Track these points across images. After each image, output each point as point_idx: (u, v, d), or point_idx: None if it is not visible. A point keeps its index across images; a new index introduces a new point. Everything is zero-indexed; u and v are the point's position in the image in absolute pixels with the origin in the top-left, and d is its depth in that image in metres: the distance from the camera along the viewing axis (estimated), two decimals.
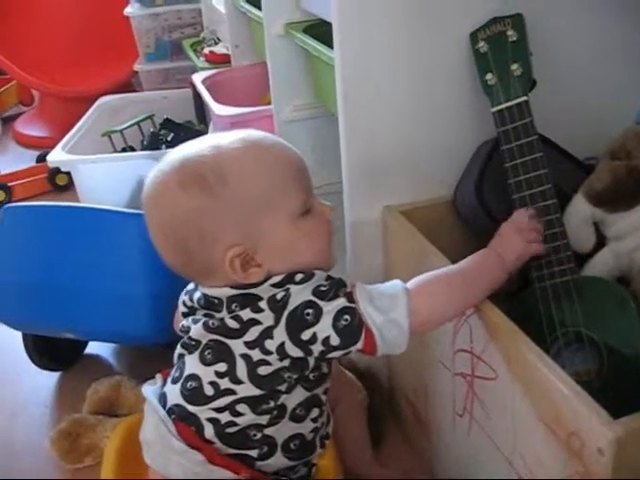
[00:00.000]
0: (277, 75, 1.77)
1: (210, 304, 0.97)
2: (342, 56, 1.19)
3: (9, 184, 2.75)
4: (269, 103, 1.87)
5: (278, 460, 1.00)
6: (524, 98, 1.13)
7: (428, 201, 1.29)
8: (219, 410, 0.96)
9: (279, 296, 0.92)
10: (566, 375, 0.84)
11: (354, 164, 1.26)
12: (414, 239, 1.18)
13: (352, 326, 0.91)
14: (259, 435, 0.97)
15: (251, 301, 0.93)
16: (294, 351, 0.92)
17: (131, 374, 1.59)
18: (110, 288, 1.39)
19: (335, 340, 0.91)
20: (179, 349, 1.02)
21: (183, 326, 1.01)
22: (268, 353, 0.92)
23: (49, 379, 1.70)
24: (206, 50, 2.72)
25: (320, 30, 1.57)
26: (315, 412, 1.02)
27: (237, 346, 0.93)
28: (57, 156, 2.20)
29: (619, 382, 1.02)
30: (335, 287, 0.93)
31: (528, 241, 1.05)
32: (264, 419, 0.97)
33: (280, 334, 0.91)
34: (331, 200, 1.64)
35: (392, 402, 1.44)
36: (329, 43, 1.33)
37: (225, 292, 0.95)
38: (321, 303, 0.91)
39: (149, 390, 1.05)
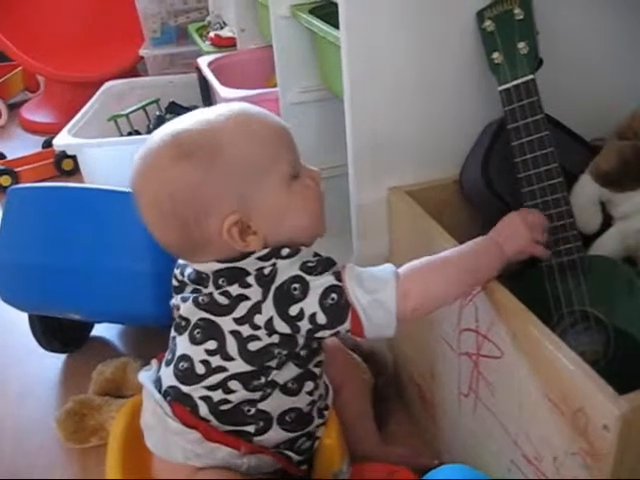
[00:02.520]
0: (283, 57, 1.77)
1: (199, 279, 0.98)
2: (348, 37, 1.18)
3: (16, 169, 2.76)
4: (275, 86, 1.87)
5: (276, 433, 1.02)
6: (531, 76, 1.12)
7: (434, 182, 1.28)
8: (211, 388, 0.97)
9: (266, 271, 0.93)
10: (572, 352, 0.84)
11: (360, 145, 1.25)
12: (420, 219, 1.17)
13: (339, 305, 0.91)
14: (253, 410, 0.99)
15: (238, 275, 0.94)
16: (282, 327, 0.93)
17: (137, 355, 1.59)
18: (116, 268, 1.39)
19: (322, 319, 0.92)
20: (172, 331, 1.03)
21: (173, 305, 1.03)
22: (257, 328, 0.93)
23: (55, 361, 1.70)
24: (212, 34, 2.72)
25: (326, 11, 1.57)
26: (310, 385, 1.04)
27: (226, 323, 0.95)
28: (63, 140, 2.20)
29: (625, 362, 1.03)
30: (323, 264, 0.94)
31: (534, 239, 1.04)
32: (257, 395, 0.98)
33: (268, 309, 0.92)
34: (337, 183, 1.65)
35: (397, 383, 1.44)
36: (335, 24, 1.32)
37: (212, 267, 0.96)
38: (308, 277, 0.92)
39: (145, 376, 1.07)
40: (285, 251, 0.94)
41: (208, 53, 2.55)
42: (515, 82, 1.13)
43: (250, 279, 0.93)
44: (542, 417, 0.90)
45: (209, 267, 0.96)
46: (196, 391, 0.98)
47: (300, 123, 1.78)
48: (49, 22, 3.55)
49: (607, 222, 1.16)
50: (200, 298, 0.96)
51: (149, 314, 1.40)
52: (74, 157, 2.53)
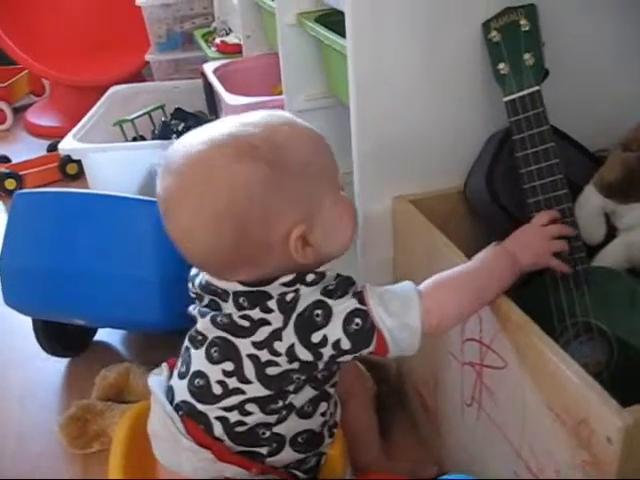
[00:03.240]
0: (289, 65, 1.77)
1: (214, 292, 0.94)
2: (354, 45, 1.18)
3: (20, 173, 2.77)
4: (280, 93, 1.87)
5: (287, 454, 1.00)
6: (536, 88, 1.12)
7: (438, 191, 1.28)
8: (228, 409, 0.95)
9: (289, 297, 0.90)
10: (576, 364, 0.84)
11: (365, 154, 1.26)
12: (424, 229, 1.17)
13: (364, 330, 0.89)
14: (268, 433, 0.97)
15: (260, 298, 0.90)
16: (304, 354, 0.90)
17: (140, 361, 1.59)
18: (120, 274, 1.40)
19: (346, 344, 0.89)
20: (186, 341, 1.01)
21: (190, 313, 1.00)
22: (277, 354, 0.90)
23: (58, 365, 1.70)
24: (217, 40, 2.72)
25: (332, 19, 1.57)
26: (324, 406, 1.02)
27: (244, 346, 0.92)
28: (68, 144, 2.20)
29: (628, 374, 1.03)
30: (343, 285, 0.92)
31: (551, 251, 1.04)
32: (273, 418, 0.96)
33: (289, 336, 0.89)
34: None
35: (400, 392, 1.44)
36: (341, 32, 1.33)
37: (235, 287, 0.92)
38: (330, 302, 0.89)
39: (155, 381, 1.04)
40: (310, 277, 0.91)
41: (214, 59, 2.56)
42: (521, 93, 1.13)
43: (272, 303, 0.90)
44: (545, 428, 0.90)
45: (232, 287, 0.92)
46: (212, 411, 0.96)
47: None
48: (55, 26, 3.56)
49: (611, 233, 1.16)
50: (219, 318, 0.92)
51: (153, 320, 1.41)
52: (79, 161, 2.53)
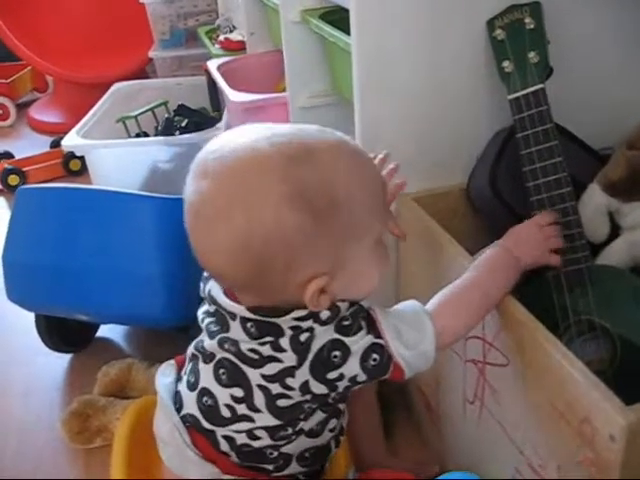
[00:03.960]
0: (292, 62, 1.77)
1: (221, 307, 0.90)
2: (359, 42, 1.18)
3: (23, 169, 2.78)
4: (283, 90, 1.88)
5: (294, 469, 0.99)
6: (540, 86, 1.12)
7: (442, 189, 1.28)
8: (236, 432, 0.93)
9: (303, 337, 0.85)
10: (579, 361, 0.84)
11: (368, 150, 1.25)
12: (427, 226, 1.17)
13: (381, 364, 0.87)
14: (275, 453, 0.96)
15: (270, 332, 0.86)
16: (318, 388, 0.88)
17: (142, 357, 1.60)
18: (123, 270, 1.40)
19: (362, 377, 0.87)
20: (193, 349, 0.98)
21: (198, 317, 0.96)
22: (289, 389, 0.88)
23: (60, 361, 1.71)
24: (221, 37, 2.72)
25: (337, 17, 1.58)
26: (333, 423, 1.00)
27: (254, 375, 0.88)
28: (71, 140, 2.20)
29: (632, 372, 1.02)
30: (356, 317, 0.88)
31: (549, 249, 1.04)
32: (281, 442, 0.94)
33: (303, 374, 0.86)
34: None
35: (402, 390, 1.44)
36: (345, 30, 1.33)
37: (241, 311, 0.87)
38: (347, 341, 0.86)
39: (163, 385, 1.02)
40: (325, 315, 0.86)
41: (217, 56, 2.55)
42: (525, 91, 1.13)
43: (284, 342, 0.85)
44: (547, 426, 0.90)
45: (239, 310, 0.87)
46: (220, 431, 0.94)
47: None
48: (59, 22, 3.56)
49: (615, 232, 1.16)
50: (226, 345, 0.89)
51: (157, 316, 1.41)
52: (82, 158, 2.54)
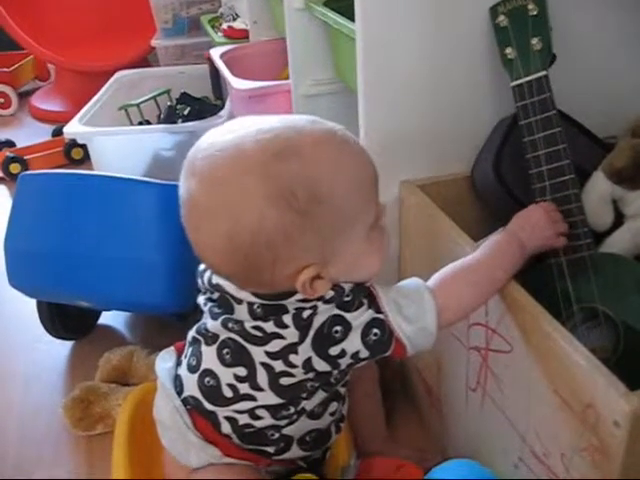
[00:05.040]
0: (296, 49, 1.77)
1: (226, 292, 0.91)
2: (364, 29, 1.18)
3: (25, 157, 2.77)
4: (286, 78, 1.87)
5: (294, 452, 1.00)
6: (543, 72, 1.12)
7: (446, 176, 1.28)
8: (238, 412, 0.94)
9: (305, 314, 0.87)
10: (583, 347, 0.84)
11: (372, 138, 1.25)
12: (431, 213, 1.17)
13: (382, 339, 0.88)
14: (277, 435, 0.96)
15: (275, 311, 0.88)
16: (321, 366, 0.89)
17: (144, 344, 1.59)
18: (125, 256, 1.39)
19: (365, 353, 0.88)
20: (194, 333, 0.98)
21: (199, 304, 0.97)
22: (292, 366, 0.89)
23: (63, 348, 1.71)
24: (224, 25, 2.72)
25: (341, 4, 1.56)
26: (334, 406, 1.01)
27: (258, 353, 0.89)
28: (74, 128, 2.20)
29: (635, 359, 1.02)
30: (359, 295, 0.89)
31: (557, 233, 1.04)
32: (283, 422, 0.95)
33: (306, 350, 0.87)
34: None
35: (403, 378, 1.44)
36: (349, 17, 1.32)
37: (247, 296, 0.88)
38: (348, 316, 0.88)
39: (163, 369, 1.03)
40: (329, 294, 0.87)
41: (220, 44, 2.55)
42: (528, 78, 1.12)
43: (287, 319, 0.87)
44: (551, 413, 0.90)
45: (245, 296, 0.88)
46: (221, 412, 0.95)
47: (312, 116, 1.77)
48: (60, 11, 3.56)
49: (619, 220, 1.16)
50: (230, 324, 0.90)
51: (158, 303, 1.40)
52: (84, 146, 2.54)
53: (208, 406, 0.96)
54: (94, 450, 1.39)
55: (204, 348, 0.95)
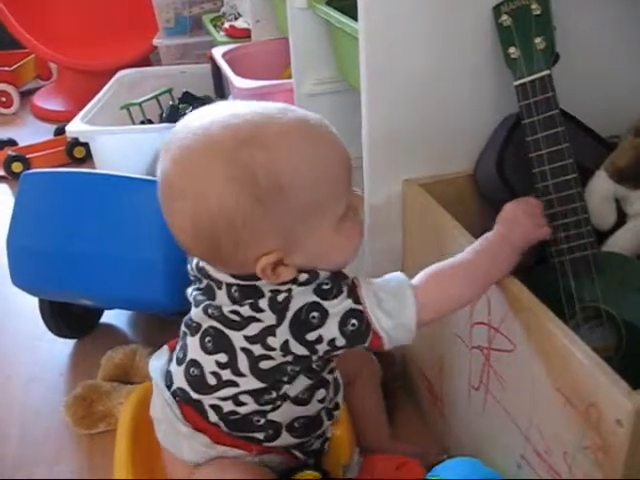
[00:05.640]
0: (298, 48, 1.76)
1: (209, 277, 0.93)
2: (366, 28, 1.17)
3: (27, 156, 2.77)
4: (289, 77, 1.87)
5: (285, 439, 1.00)
6: (547, 72, 1.11)
7: (449, 175, 1.28)
8: (222, 399, 0.95)
9: (280, 297, 0.88)
10: (586, 346, 0.84)
11: (375, 137, 1.25)
12: (434, 212, 1.17)
13: (360, 330, 0.89)
14: (263, 421, 0.97)
15: (251, 294, 0.89)
16: (298, 349, 0.89)
17: (146, 343, 1.59)
18: (127, 254, 1.40)
19: (341, 342, 0.89)
20: (183, 326, 1.01)
21: (188, 297, 0.99)
22: (270, 349, 0.90)
23: (65, 346, 1.71)
24: (226, 25, 2.71)
25: (343, 3, 1.56)
26: (322, 393, 1.01)
27: (237, 339, 0.91)
28: (76, 127, 2.21)
29: (637, 358, 1.02)
30: (338, 283, 0.90)
31: (536, 225, 1.03)
32: (267, 407, 0.96)
33: (283, 333, 0.88)
34: None
35: (405, 377, 1.44)
36: (351, 16, 1.32)
37: (226, 278, 0.90)
38: (326, 304, 0.88)
39: (156, 368, 1.04)
40: (303, 277, 0.88)
41: (222, 44, 2.55)
42: (531, 77, 1.12)
43: (263, 303, 0.88)
44: (553, 411, 0.90)
45: (223, 277, 0.90)
46: (206, 400, 0.96)
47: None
48: (63, 10, 3.56)
49: (621, 219, 1.16)
50: (209, 310, 0.92)
51: (160, 302, 1.41)
52: (86, 145, 2.53)
53: (194, 395, 0.97)
54: (96, 449, 1.39)
55: (189, 339, 0.98)
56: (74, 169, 1.59)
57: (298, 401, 0.98)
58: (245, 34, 2.59)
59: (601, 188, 1.15)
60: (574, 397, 0.85)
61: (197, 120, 0.87)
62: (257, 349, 0.90)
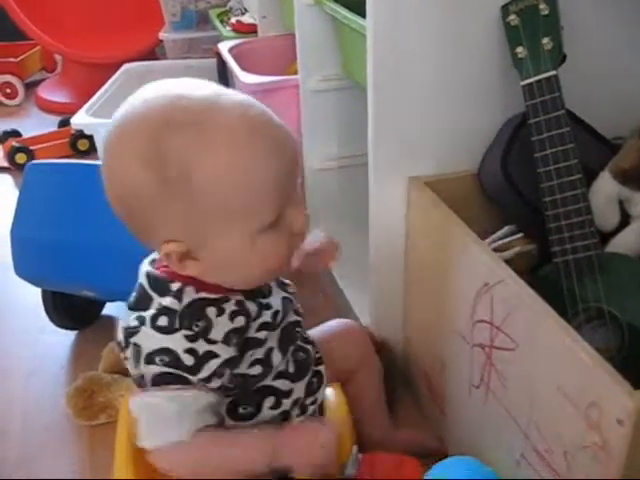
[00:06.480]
0: (305, 44, 1.77)
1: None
2: (374, 24, 1.18)
3: (31, 147, 2.78)
4: (294, 73, 1.87)
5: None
6: (553, 72, 1.12)
7: (454, 173, 1.28)
8: None
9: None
10: (588, 345, 0.84)
11: (381, 135, 1.25)
12: (438, 210, 1.17)
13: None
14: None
15: (147, 300, 0.91)
16: None
17: None
18: (130, 246, 1.39)
19: None
20: None
21: None
22: None
23: (66, 338, 1.71)
24: (233, 19, 2.72)
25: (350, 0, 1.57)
26: (270, 401, 0.95)
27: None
28: (81, 119, 2.21)
29: (639, 359, 1.02)
30: (185, 316, 0.87)
31: (323, 462, 0.91)
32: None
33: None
34: (354, 173, 1.64)
35: (406, 375, 1.44)
36: (359, 12, 1.32)
37: (145, 267, 0.94)
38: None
39: None
40: (167, 301, 0.88)
41: (228, 39, 2.55)
42: (538, 77, 1.13)
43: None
44: (554, 410, 0.90)
45: (144, 267, 0.95)
46: None
47: (320, 111, 1.78)
48: (69, 2, 3.56)
49: (625, 220, 1.16)
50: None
51: None
52: (90, 137, 2.54)
53: None
54: (97, 440, 1.40)
55: None
56: (78, 160, 1.59)
57: (243, 416, 0.93)
58: (251, 29, 2.59)
59: (605, 189, 1.15)
60: (575, 396, 0.85)
61: (136, 98, 0.84)
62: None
